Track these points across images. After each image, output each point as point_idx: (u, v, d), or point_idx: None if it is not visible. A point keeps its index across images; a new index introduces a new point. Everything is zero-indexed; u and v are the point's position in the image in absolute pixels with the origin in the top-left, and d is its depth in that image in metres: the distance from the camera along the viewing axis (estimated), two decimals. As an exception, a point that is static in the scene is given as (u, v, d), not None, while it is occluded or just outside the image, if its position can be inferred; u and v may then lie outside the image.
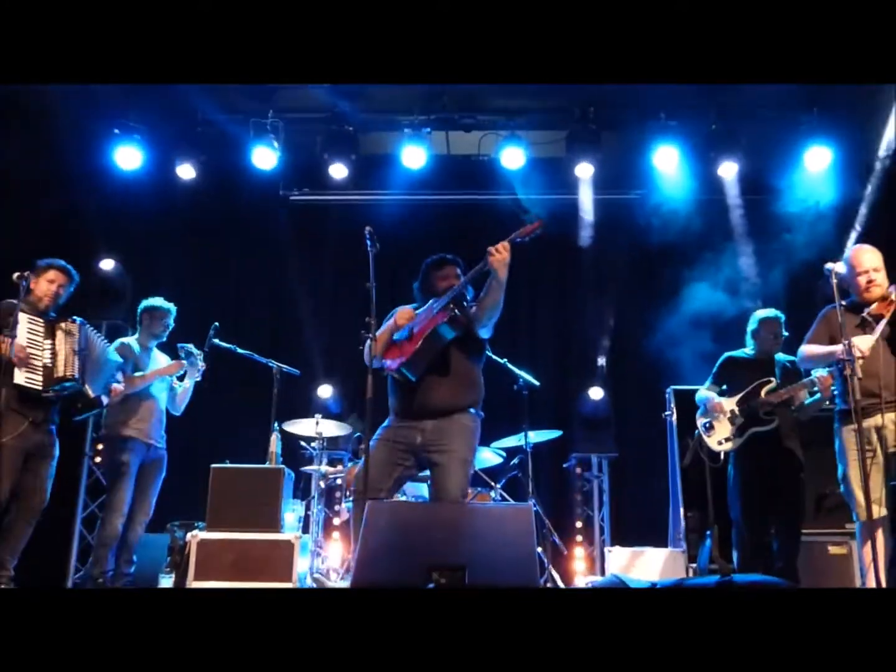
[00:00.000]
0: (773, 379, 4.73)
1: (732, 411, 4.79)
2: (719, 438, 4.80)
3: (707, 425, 4.88)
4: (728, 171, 6.32)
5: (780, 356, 4.91)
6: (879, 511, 3.79)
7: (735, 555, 4.76)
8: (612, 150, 6.45)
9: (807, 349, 4.15)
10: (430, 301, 3.83)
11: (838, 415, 4.08)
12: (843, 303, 4.11)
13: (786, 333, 4.92)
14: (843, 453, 3.99)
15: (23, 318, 4.37)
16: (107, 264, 6.59)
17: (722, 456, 4.81)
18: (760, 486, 4.69)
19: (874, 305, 3.92)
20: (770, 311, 4.96)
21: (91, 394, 4.55)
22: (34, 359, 4.30)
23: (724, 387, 4.94)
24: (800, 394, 4.65)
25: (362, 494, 3.42)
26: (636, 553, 5.17)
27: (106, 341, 4.85)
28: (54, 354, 4.27)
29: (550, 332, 6.75)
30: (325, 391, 6.36)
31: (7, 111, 5.97)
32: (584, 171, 6.40)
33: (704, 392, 4.99)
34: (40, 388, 4.23)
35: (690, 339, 5.80)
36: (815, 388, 4.54)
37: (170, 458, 5.18)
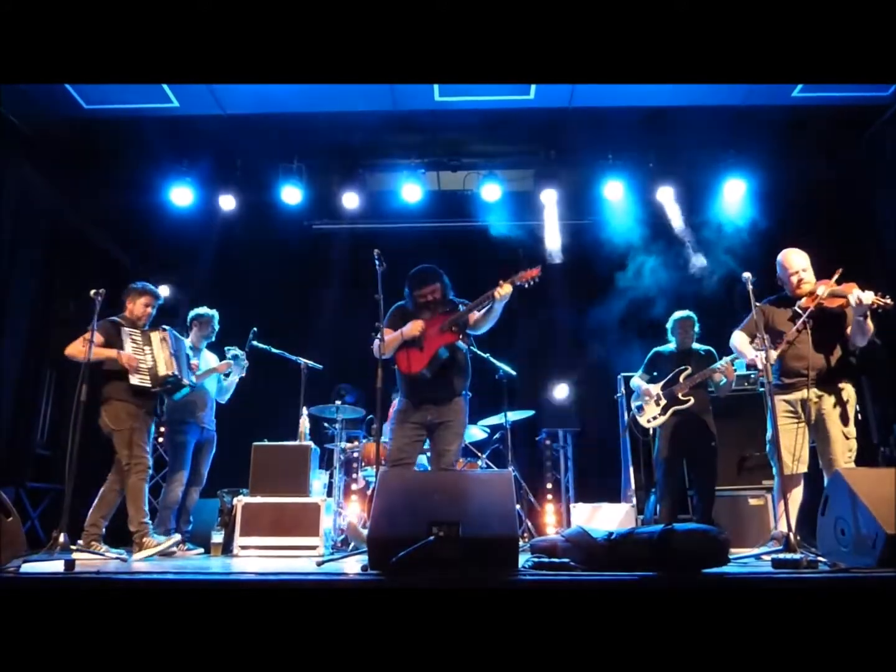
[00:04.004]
0: (688, 367, 4.75)
1: (658, 394, 4.80)
2: (648, 417, 4.82)
3: (639, 407, 4.90)
4: (664, 196, 6.30)
5: (696, 346, 4.91)
6: (799, 467, 3.77)
7: (658, 507, 4.76)
8: (570, 185, 6.44)
9: (736, 340, 4.03)
10: (440, 316, 3.83)
11: (773, 387, 3.91)
12: (772, 298, 4.08)
13: (698, 329, 4.92)
14: (772, 419, 3.95)
15: (125, 331, 4.35)
16: (163, 290, 6.60)
17: (651, 431, 4.82)
18: (678, 454, 4.70)
19: (803, 300, 3.85)
20: (684, 312, 4.96)
21: (186, 382, 4.54)
22: (141, 363, 4.30)
23: (655, 374, 4.96)
24: (714, 376, 4.66)
25: (392, 463, 3.71)
26: (595, 508, 5.16)
27: (182, 339, 4.80)
28: (155, 358, 4.31)
29: (525, 332, 6.72)
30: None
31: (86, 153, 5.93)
32: (548, 197, 6.41)
33: (637, 380, 5.02)
34: (149, 385, 4.26)
35: (635, 336, 5.79)
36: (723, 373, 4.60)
37: (219, 438, 5.15)
